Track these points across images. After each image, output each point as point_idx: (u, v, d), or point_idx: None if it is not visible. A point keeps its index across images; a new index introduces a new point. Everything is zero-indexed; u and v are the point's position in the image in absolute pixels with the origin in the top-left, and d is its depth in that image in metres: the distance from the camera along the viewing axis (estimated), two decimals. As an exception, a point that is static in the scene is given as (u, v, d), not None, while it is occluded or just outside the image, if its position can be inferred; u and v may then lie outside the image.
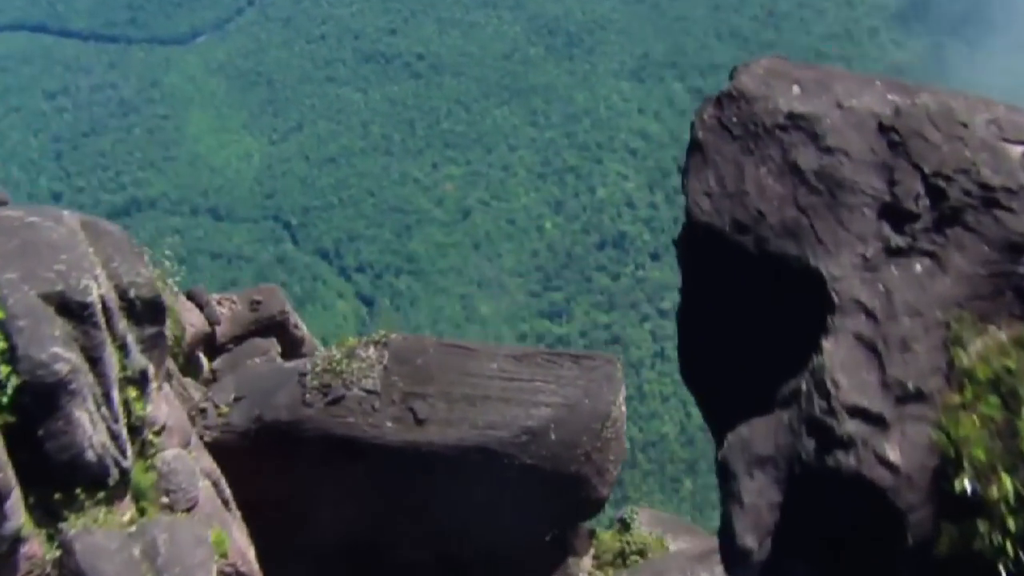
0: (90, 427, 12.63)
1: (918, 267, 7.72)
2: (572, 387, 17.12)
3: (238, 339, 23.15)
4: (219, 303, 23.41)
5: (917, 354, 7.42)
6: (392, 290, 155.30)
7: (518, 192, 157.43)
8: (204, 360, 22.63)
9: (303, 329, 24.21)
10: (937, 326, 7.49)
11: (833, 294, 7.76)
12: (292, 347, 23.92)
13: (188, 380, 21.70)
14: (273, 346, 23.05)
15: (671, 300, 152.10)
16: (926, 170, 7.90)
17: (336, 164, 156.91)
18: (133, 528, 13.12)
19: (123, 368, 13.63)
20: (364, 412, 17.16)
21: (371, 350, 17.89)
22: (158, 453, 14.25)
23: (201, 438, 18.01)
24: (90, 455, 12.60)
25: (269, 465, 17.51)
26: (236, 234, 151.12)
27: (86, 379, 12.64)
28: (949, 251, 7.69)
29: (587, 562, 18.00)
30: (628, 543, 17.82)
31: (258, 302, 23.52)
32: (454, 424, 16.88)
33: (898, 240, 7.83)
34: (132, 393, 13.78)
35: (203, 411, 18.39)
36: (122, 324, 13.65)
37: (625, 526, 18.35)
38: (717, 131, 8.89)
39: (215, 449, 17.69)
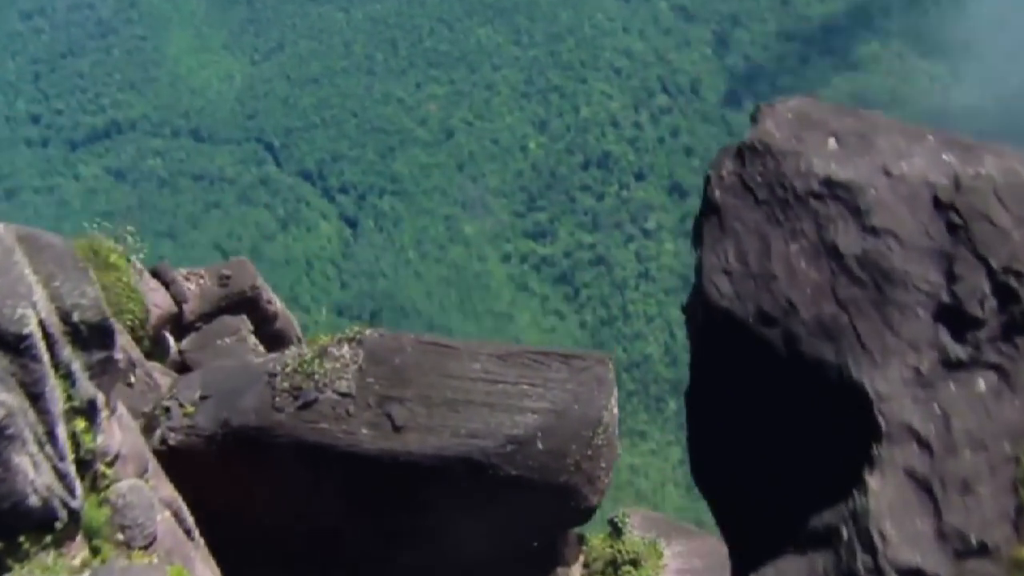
0: (32, 471, 11.34)
1: (982, 385, 6.35)
2: (560, 391, 15.80)
3: (207, 316, 21.73)
4: (186, 278, 21.93)
5: (980, 497, 6.10)
6: (376, 211, 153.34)
7: (502, 112, 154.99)
8: (171, 341, 21.25)
9: (276, 304, 22.79)
10: (1005, 462, 6.15)
11: (879, 417, 6.39)
12: (264, 323, 22.54)
13: (154, 364, 20.35)
14: (244, 324, 21.66)
15: (656, 220, 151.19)
16: (993, 263, 6.48)
17: (318, 84, 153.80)
18: (85, 575, 11.93)
19: (69, 399, 12.25)
20: (338, 417, 15.82)
21: (345, 348, 16.50)
22: (111, 485, 12.92)
23: (165, 441, 16.74)
24: (33, 500, 11.34)
25: (237, 473, 16.23)
26: (218, 156, 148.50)
27: (26, 419, 11.31)
28: (1020, 366, 6.31)
29: (576, 571, 16.88)
30: (620, 551, 16.66)
31: (227, 277, 22.04)
32: (434, 431, 15.58)
33: (958, 350, 6.45)
34: (80, 425, 12.41)
35: (167, 410, 17.00)
36: (66, 351, 12.21)
37: (617, 531, 17.19)
38: (738, 192, 7.42)
39: (180, 453, 16.44)
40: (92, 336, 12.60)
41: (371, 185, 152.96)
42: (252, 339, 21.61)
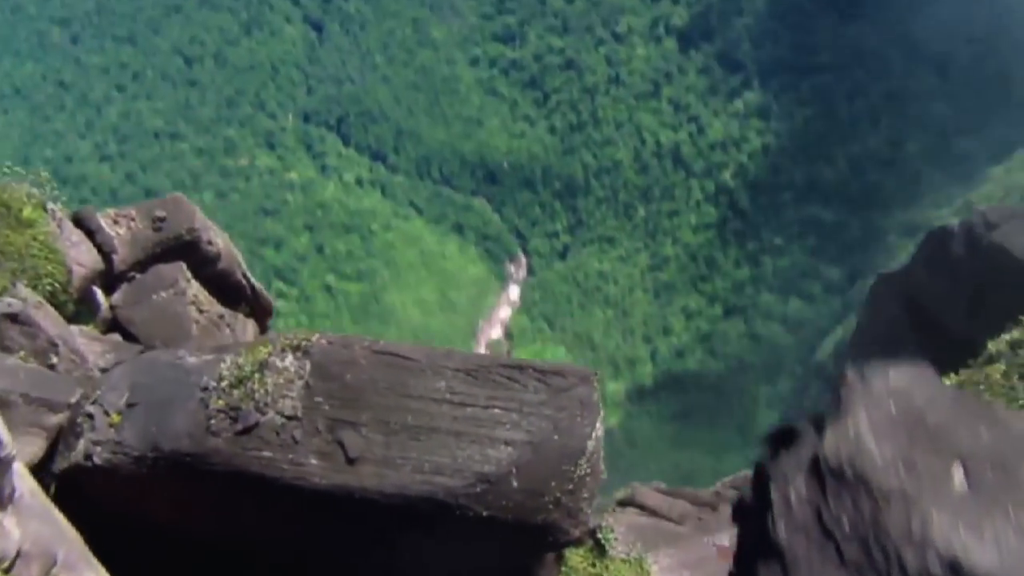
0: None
1: None
2: (538, 417, 13.42)
3: (140, 265, 18.99)
4: (114, 221, 19.03)
5: None
6: (341, 14, 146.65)
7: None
8: (100, 296, 18.58)
9: (217, 243, 19.94)
10: None
11: None
12: (205, 264, 19.82)
13: (81, 328, 17.81)
14: (181, 273, 18.92)
15: (627, 23, 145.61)
16: None
17: None
18: None
19: (-54, 515, 9.86)
20: (283, 445, 13.44)
21: (289, 359, 13.96)
22: (12, 591, 10.69)
23: (91, 456, 14.41)
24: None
25: (170, 501, 14.02)
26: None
27: None
28: None
29: (554, 595, 14.97)
30: (603, 576, 14.74)
31: (161, 219, 19.14)
32: (393, 465, 13.26)
33: None
34: (-37, 540, 10.08)
35: (90, 417, 14.57)
36: (-63, 462, 9.74)
37: (600, 548, 15.22)
38: (813, 536, 4.88)
39: (106, 471, 14.16)
40: (-32, 441, 10.10)
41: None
42: (192, 290, 18.94)
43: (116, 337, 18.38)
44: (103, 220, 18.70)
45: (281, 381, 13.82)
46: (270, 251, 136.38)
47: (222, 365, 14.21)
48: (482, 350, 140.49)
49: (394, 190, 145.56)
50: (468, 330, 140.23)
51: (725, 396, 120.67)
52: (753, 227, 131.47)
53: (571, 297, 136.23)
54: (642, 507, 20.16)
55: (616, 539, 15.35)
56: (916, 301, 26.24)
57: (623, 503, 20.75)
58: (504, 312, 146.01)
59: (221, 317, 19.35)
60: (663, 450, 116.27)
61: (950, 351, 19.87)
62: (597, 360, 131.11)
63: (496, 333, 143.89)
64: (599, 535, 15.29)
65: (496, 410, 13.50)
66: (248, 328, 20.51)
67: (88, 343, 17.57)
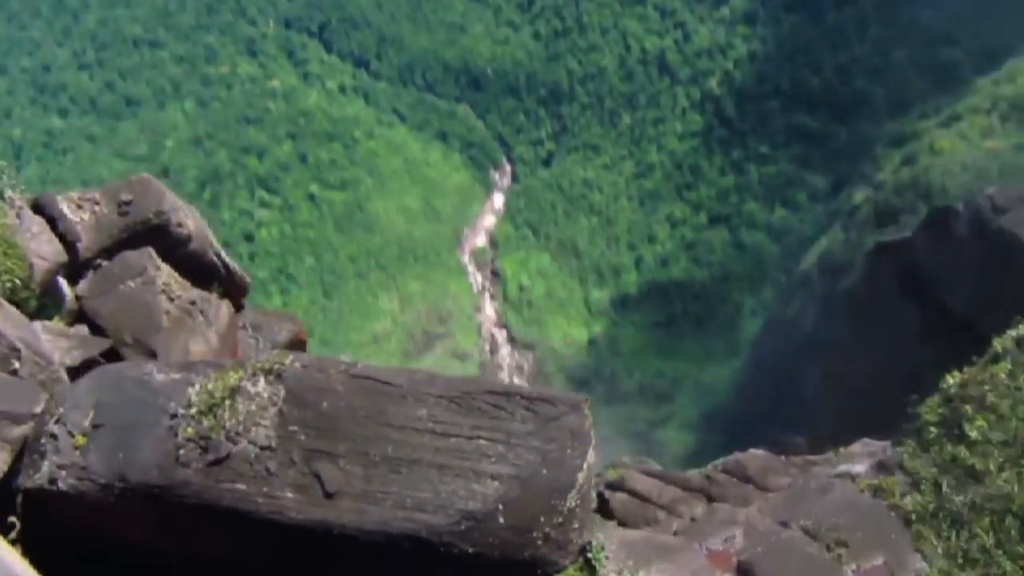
0: None
1: None
2: (526, 449, 12.58)
3: (106, 252, 17.86)
4: (78, 206, 17.83)
5: None
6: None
7: None
8: (66, 287, 17.50)
9: (188, 224, 18.72)
10: None
11: None
12: (176, 247, 18.68)
13: (45, 324, 16.79)
14: (150, 260, 17.79)
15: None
16: None
17: None
18: None
19: None
20: (257, 477, 12.59)
21: (261, 384, 13.02)
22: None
23: (55, 480, 13.54)
24: None
25: (140, 530, 13.22)
26: None
27: None
28: None
29: (543, 620, 14.26)
30: (593, 602, 14.03)
31: (127, 202, 17.94)
32: (374, 500, 12.45)
33: None
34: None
35: (54, 437, 13.65)
36: None
37: (590, 568, 14.46)
38: None
39: (73, 498, 13.32)
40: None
41: None
42: (161, 278, 17.83)
43: (83, 330, 17.39)
44: (65, 205, 17.53)
45: (253, 408, 12.91)
46: (253, 160, 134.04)
47: (191, 390, 13.25)
48: (466, 258, 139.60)
49: (377, 97, 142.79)
50: (452, 238, 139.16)
51: (709, 304, 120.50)
52: (739, 135, 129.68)
53: (555, 205, 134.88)
54: (632, 492, 19.55)
55: (607, 557, 14.65)
56: (916, 278, 25.41)
57: (612, 487, 20.13)
58: (488, 220, 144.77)
59: (193, 303, 18.32)
60: (647, 358, 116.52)
61: (951, 334, 19.12)
62: (582, 268, 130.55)
63: (480, 241, 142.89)
64: (589, 554, 14.56)
65: (481, 441, 12.64)
66: (222, 309, 19.49)
67: (53, 339, 16.58)
